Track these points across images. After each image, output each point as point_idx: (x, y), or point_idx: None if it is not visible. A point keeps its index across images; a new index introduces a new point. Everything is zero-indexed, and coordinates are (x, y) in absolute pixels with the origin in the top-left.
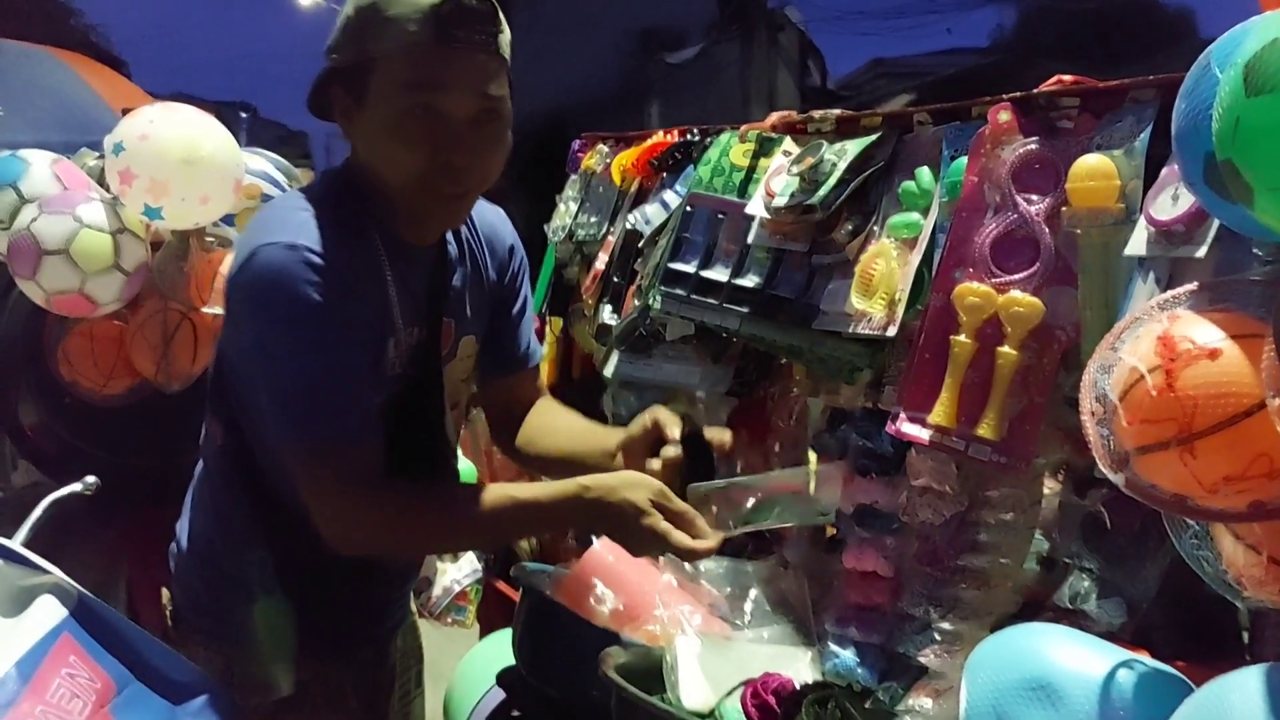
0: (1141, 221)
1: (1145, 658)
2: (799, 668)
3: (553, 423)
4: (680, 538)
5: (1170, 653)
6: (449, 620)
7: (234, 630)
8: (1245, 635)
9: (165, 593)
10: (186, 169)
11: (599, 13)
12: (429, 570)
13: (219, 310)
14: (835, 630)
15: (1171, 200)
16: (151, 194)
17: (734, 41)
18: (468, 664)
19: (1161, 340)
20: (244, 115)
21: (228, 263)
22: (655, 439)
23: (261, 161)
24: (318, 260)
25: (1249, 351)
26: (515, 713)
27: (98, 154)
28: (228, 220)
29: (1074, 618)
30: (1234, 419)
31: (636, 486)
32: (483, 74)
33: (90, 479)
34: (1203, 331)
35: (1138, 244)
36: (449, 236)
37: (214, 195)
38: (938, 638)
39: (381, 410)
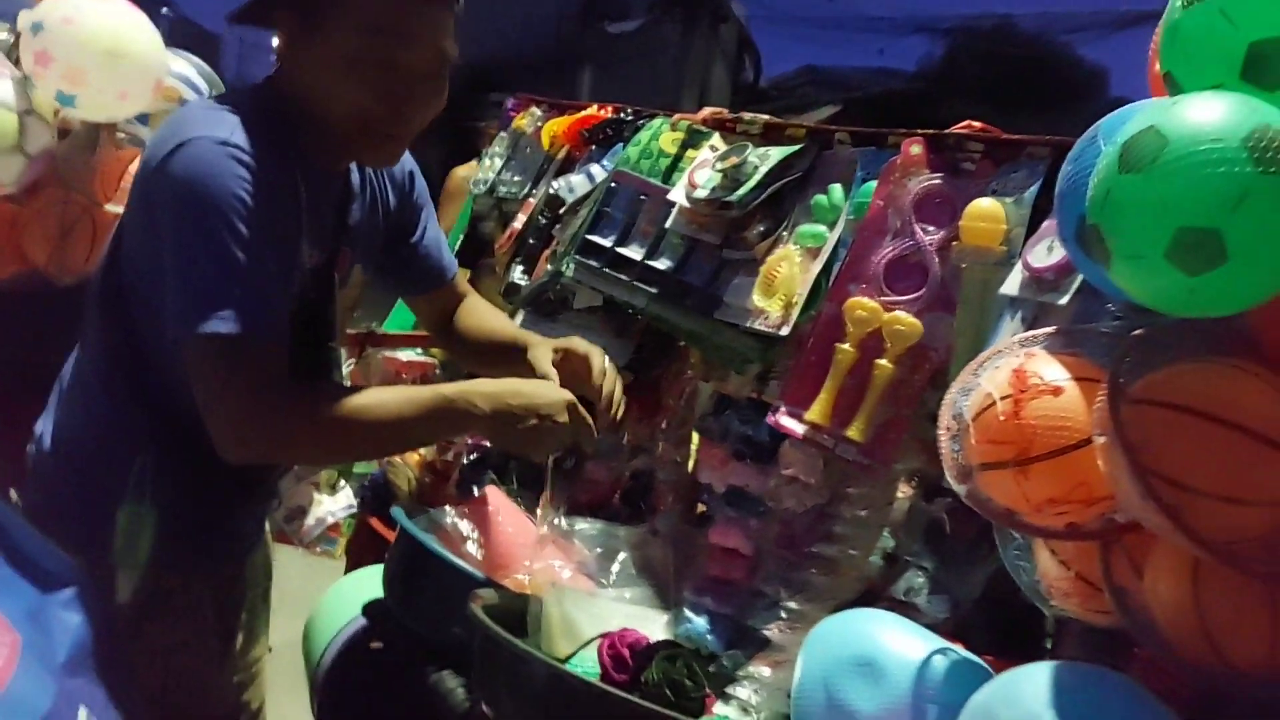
0: (1019, 265)
1: (960, 648)
2: (654, 628)
3: (477, 317)
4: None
5: (983, 647)
6: (318, 550)
7: (92, 534)
8: (1050, 640)
9: (14, 494)
10: (109, 60)
11: None
12: (304, 499)
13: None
14: (692, 598)
15: (1047, 250)
16: (68, 80)
17: (676, 23)
18: (333, 594)
19: (1016, 373)
20: (165, 11)
21: (138, 162)
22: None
23: (184, 65)
24: (248, 159)
25: (1086, 393)
26: (376, 644)
27: (8, 26)
28: (141, 119)
29: (905, 609)
30: (1064, 449)
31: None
32: (443, 28)
33: None
34: (1051, 370)
35: (1012, 285)
36: (353, 166)
37: (133, 92)
38: (784, 615)
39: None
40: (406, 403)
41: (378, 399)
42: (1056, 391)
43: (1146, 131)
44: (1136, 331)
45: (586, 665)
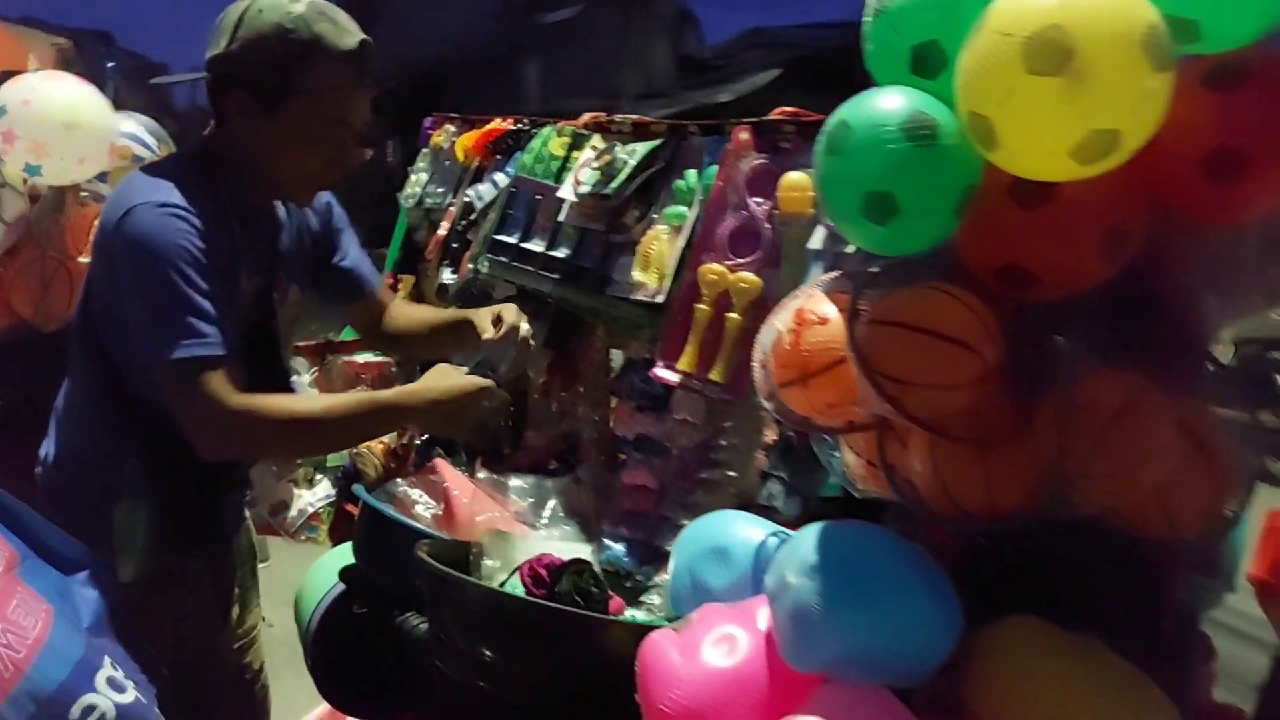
0: (820, 225)
1: (791, 531)
2: (580, 558)
3: (406, 313)
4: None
5: None
6: (303, 538)
7: (99, 530)
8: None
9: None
10: (66, 132)
11: None
12: (285, 495)
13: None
14: (611, 530)
15: None
16: (33, 153)
17: (611, 6)
18: (316, 568)
19: (797, 311)
20: (110, 65)
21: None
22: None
23: (133, 124)
24: (184, 214)
25: (847, 321)
26: (356, 606)
27: None
28: (101, 177)
29: (769, 512)
30: (831, 365)
31: (450, 373)
32: (367, 104)
33: None
34: (822, 306)
35: (816, 240)
36: (278, 202)
37: (90, 156)
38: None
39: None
40: (338, 406)
41: (319, 404)
42: (824, 322)
43: (839, 124)
44: (873, 269)
45: (515, 586)
